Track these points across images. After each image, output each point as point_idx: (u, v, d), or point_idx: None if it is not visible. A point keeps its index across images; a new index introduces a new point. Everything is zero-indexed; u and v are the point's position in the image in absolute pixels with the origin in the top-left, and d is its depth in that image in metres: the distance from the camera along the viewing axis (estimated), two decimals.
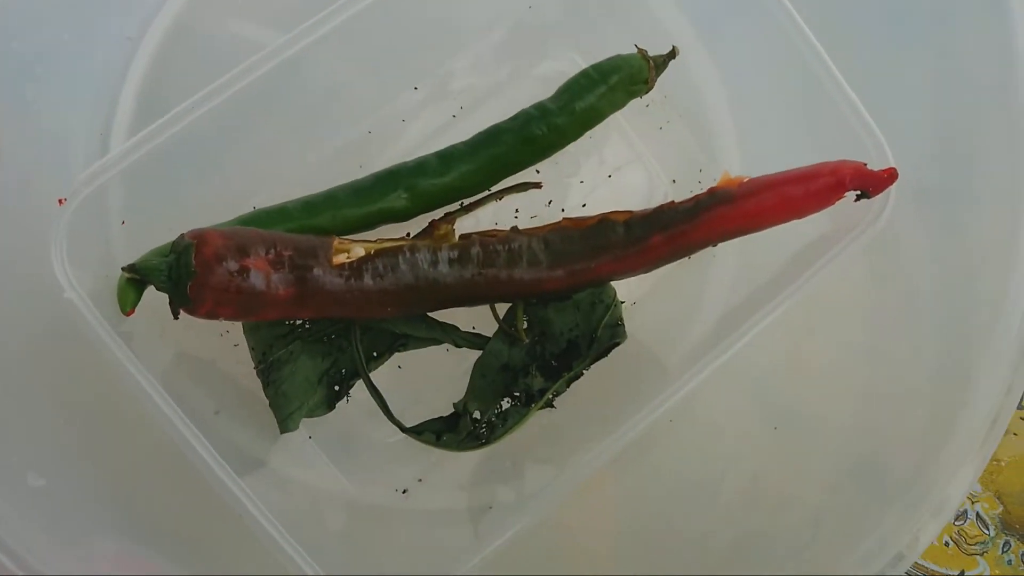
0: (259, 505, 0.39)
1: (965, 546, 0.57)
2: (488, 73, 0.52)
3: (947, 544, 0.57)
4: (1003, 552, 0.57)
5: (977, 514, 0.57)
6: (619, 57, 0.47)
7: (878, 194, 0.44)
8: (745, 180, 0.44)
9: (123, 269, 0.39)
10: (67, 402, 0.40)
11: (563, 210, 0.51)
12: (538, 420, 0.46)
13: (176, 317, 0.39)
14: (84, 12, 0.46)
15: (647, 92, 0.48)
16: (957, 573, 0.56)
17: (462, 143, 0.47)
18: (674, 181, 0.53)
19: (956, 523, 0.57)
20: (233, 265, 0.39)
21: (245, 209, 0.46)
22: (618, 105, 0.48)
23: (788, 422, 0.49)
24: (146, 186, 0.44)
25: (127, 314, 0.39)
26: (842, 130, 0.46)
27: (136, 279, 0.39)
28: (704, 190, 0.52)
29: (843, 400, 0.49)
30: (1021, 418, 0.58)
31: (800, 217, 0.44)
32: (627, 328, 0.46)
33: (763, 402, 0.49)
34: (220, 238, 0.39)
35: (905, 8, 0.48)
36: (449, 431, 0.46)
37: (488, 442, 0.46)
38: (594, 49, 0.52)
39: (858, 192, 0.43)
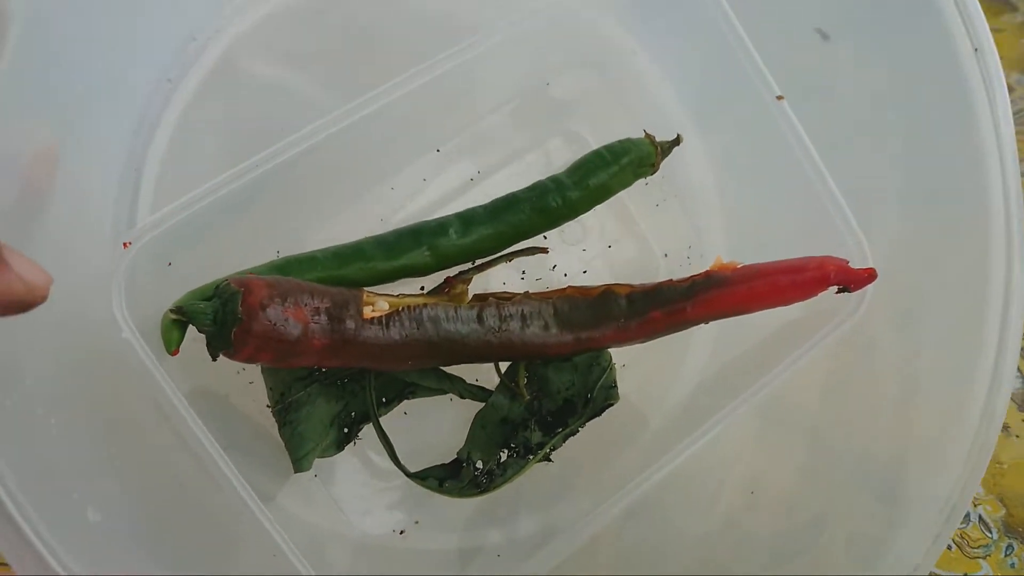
0: (287, 540, 0.41)
1: (968, 549, 0.57)
2: (505, 141, 0.56)
3: (950, 547, 0.56)
4: (1006, 555, 0.57)
5: (980, 517, 0.58)
6: (629, 140, 0.52)
7: (858, 290, 0.49)
8: (738, 266, 0.49)
9: (169, 311, 0.41)
10: (116, 437, 0.41)
11: (566, 275, 0.55)
12: (534, 470, 0.49)
13: (215, 359, 0.41)
14: (127, 54, 0.48)
15: (652, 174, 0.52)
16: None
17: (481, 207, 0.50)
18: (666, 255, 0.57)
19: (959, 526, 0.54)
20: (275, 314, 0.41)
21: (271, 255, 0.49)
22: (626, 184, 0.52)
23: (786, 425, 0.52)
24: (184, 233, 0.46)
25: (172, 354, 0.41)
26: (824, 226, 0.52)
27: (181, 320, 0.41)
28: (691, 264, 0.58)
29: (837, 405, 0.52)
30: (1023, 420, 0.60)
31: (786, 304, 0.48)
32: (620, 388, 0.50)
33: (762, 407, 0.51)
34: (265, 287, 0.41)
35: (887, 119, 0.53)
36: (451, 478, 0.48)
37: (487, 490, 0.48)
38: (601, 127, 0.57)
39: (839, 287, 0.48)
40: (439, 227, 0.49)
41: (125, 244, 0.41)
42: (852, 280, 0.48)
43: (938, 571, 0.57)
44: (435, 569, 0.49)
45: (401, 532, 0.50)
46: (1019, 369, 0.61)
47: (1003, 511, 0.58)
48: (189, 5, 0.50)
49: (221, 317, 0.41)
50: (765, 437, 0.52)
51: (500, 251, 0.51)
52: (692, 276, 0.49)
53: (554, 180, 0.51)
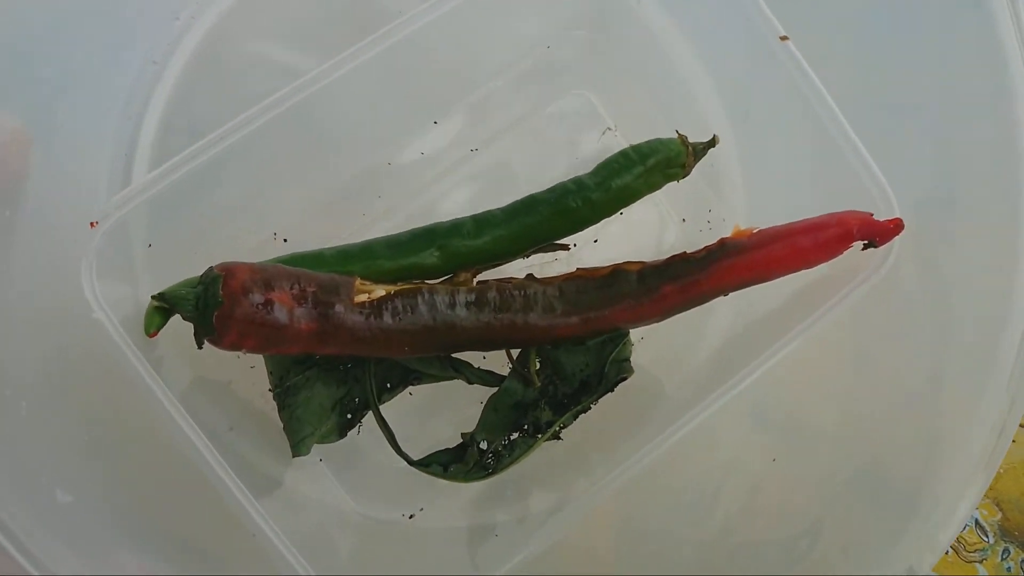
0: (269, 522, 0.40)
1: (964, 553, 0.57)
2: (506, 109, 0.53)
3: (946, 552, 0.55)
4: (1002, 559, 0.57)
5: (976, 521, 0.58)
6: (658, 140, 0.47)
7: (884, 243, 0.45)
8: (755, 231, 0.46)
9: (152, 297, 0.40)
10: (92, 419, 0.41)
11: (575, 244, 0.52)
12: (542, 449, 0.47)
13: (200, 347, 0.40)
14: (112, 37, 0.47)
15: (684, 176, 0.48)
16: None
17: (499, 209, 0.47)
18: (684, 220, 0.54)
19: None
20: (258, 298, 0.40)
21: (266, 234, 0.48)
22: (655, 186, 0.48)
23: (785, 432, 0.50)
24: (168, 209, 0.45)
25: (150, 335, 0.40)
26: (848, 178, 0.48)
27: (164, 307, 0.40)
28: (712, 229, 0.54)
29: (841, 410, 0.50)
30: (1021, 425, 0.57)
31: (809, 267, 0.45)
32: (634, 360, 0.47)
33: (760, 412, 0.50)
34: (247, 271, 0.40)
35: (911, 64, 0.49)
36: (456, 462, 0.47)
37: (494, 472, 0.47)
38: (606, 88, 0.55)
39: (865, 242, 0.45)
40: (452, 228, 0.47)
41: (92, 224, 0.40)
42: (877, 233, 0.45)
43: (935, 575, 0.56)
44: (444, 551, 0.48)
45: (411, 517, 0.49)
46: None
47: (999, 515, 0.58)
48: None
49: (203, 303, 0.39)
50: (767, 441, 0.50)
51: (516, 255, 0.48)
52: (707, 246, 0.46)
53: (576, 181, 0.47)
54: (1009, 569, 0.57)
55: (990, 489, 0.55)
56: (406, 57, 0.46)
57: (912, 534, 0.43)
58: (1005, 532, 0.57)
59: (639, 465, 0.45)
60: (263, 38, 0.51)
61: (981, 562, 0.57)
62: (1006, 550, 0.57)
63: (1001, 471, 0.58)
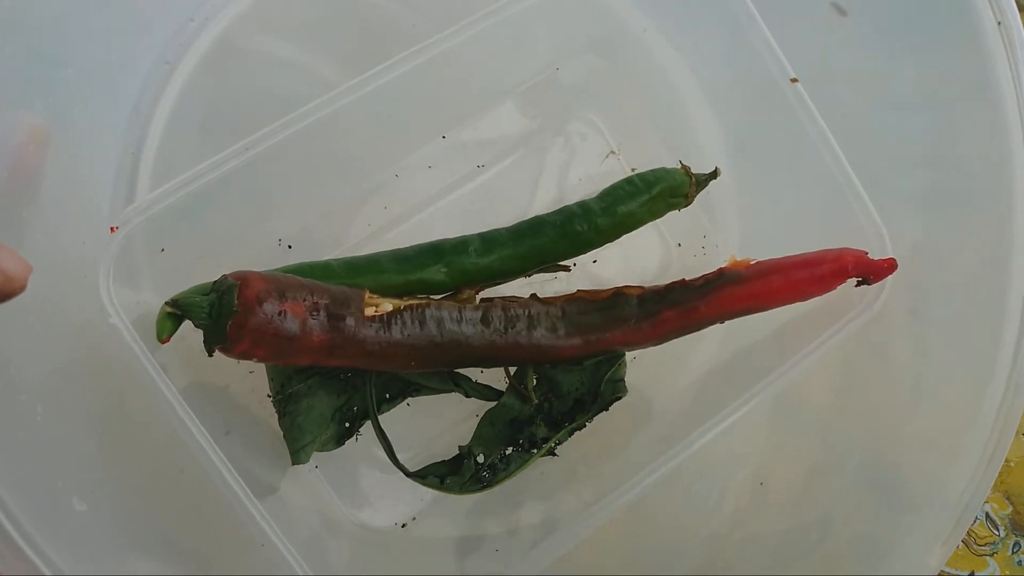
0: (279, 532, 0.41)
1: (975, 547, 0.57)
2: (513, 127, 0.54)
3: (956, 545, 0.56)
4: (1013, 553, 0.57)
5: (987, 515, 0.58)
6: (663, 169, 0.49)
7: (877, 282, 0.47)
8: (752, 262, 0.47)
9: (165, 303, 0.40)
10: (107, 424, 0.41)
11: (575, 264, 0.53)
12: (536, 464, 0.48)
13: (211, 355, 0.40)
14: (129, 36, 0.47)
15: (686, 206, 0.49)
16: (967, 574, 0.57)
17: (505, 229, 0.48)
18: (679, 244, 0.56)
19: None
20: (272, 308, 0.40)
21: (272, 240, 0.48)
22: (657, 214, 0.49)
23: (792, 425, 0.51)
24: (176, 215, 0.44)
25: (162, 342, 0.40)
26: (843, 216, 0.49)
27: (176, 313, 0.40)
28: (706, 255, 0.56)
29: (849, 402, 0.51)
30: None
31: (803, 300, 0.47)
32: (628, 380, 0.48)
33: (772, 402, 0.50)
34: (262, 281, 0.40)
35: (908, 103, 0.51)
36: (452, 474, 0.47)
37: (489, 485, 0.47)
38: (611, 113, 0.56)
39: (859, 279, 0.47)
40: (459, 244, 0.47)
41: (112, 228, 0.40)
42: (871, 272, 0.46)
43: (945, 569, 0.56)
44: (436, 561, 0.48)
45: (403, 526, 0.49)
46: None
47: (1010, 508, 0.58)
48: None
49: (216, 311, 0.40)
50: (774, 433, 0.51)
51: (520, 274, 0.48)
52: (705, 275, 0.47)
53: (582, 206, 0.48)
54: (1020, 563, 0.57)
55: (1001, 483, 0.58)
56: (419, 75, 0.47)
57: (919, 528, 0.45)
58: (1016, 526, 0.58)
59: (633, 492, 0.46)
60: (274, 43, 0.51)
61: (992, 556, 0.57)
62: (1017, 544, 0.57)
63: (1012, 464, 0.58)
